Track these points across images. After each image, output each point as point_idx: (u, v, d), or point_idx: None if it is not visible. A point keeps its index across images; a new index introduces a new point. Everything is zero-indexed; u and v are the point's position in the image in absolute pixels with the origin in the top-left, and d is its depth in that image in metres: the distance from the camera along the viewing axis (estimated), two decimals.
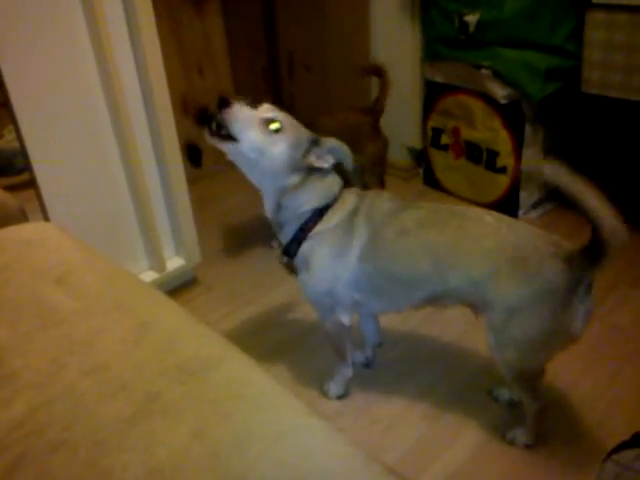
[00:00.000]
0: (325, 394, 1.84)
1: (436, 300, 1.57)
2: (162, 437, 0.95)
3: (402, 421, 1.72)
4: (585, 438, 1.63)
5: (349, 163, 1.58)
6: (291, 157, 1.51)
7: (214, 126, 1.49)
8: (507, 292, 1.40)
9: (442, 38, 2.61)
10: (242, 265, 2.53)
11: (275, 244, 2.60)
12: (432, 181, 3.00)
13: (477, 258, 1.43)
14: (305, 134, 1.55)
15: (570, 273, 1.35)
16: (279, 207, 1.58)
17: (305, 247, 1.59)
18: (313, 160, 1.53)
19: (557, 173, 1.29)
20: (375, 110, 2.54)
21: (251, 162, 1.52)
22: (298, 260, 1.62)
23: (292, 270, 1.68)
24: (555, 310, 1.38)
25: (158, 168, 2.13)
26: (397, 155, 3.07)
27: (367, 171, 2.54)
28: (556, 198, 2.73)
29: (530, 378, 1.52)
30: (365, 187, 2.57)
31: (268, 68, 3.19)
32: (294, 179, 1.54)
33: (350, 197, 1.59)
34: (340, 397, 1.83)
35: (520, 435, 1.61)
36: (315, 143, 1.54)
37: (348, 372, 1.82)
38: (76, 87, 1.87)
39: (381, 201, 1.58)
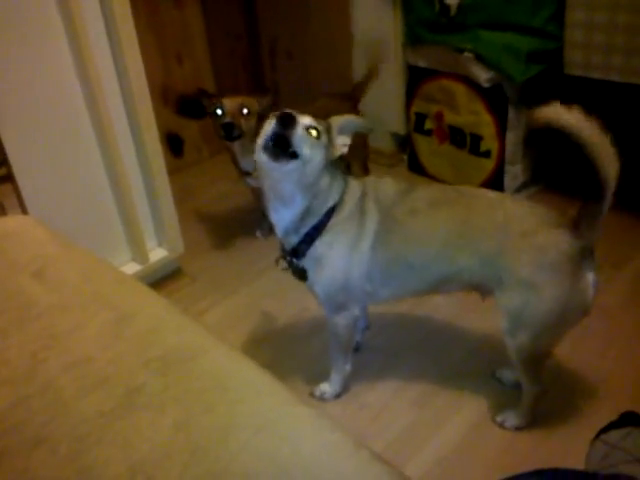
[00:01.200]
0: (321, 398, 1.76)
1: (445, 284, 1.55)
2: (144, 431, 0.93)
3: (391, 407, 1.71)
4: (574, 419, 1.63)
5: (367, 127, 1.62)
6: (325, 157, 1.44)
7: (274, 146, 1.35)
8: (522, 265, 1.39)
9: (423, 22, 2.58)
10: (226, 255, 2.51)
11: (260, 234, 2.58)
12: (416, 167, 2.98)
13: (488, 233, 1.43)
14: (320, 126, 1.44)
15: (579, 240, 1.37)
16: (307, 213, 1.47)
17: (318, 245, 1.51)
18: (338, 148, 1.48)
19: (559, 112, 1.29)
20: (353, 95, 2.53)
21: (296, 177, 1.41)
22: (308, 261, 1.53)
23: (299, 273, 1.57)
24: (571, 279, 1.38)
25: (138, 159, 2.10)
26: (381, 142, 3.05)
27: (349, 156, 2.52)
28: (540, 180, 2.72)
29: (539, 361, 1.51)
30: (348, 172, 2.56)
31: (249, 56, 3.15)
32: (326, 179, 1.47)
33: (354, 184, 1.55)
34: (337, 396, 1.77)
35: (511, 417, 1.61)
36: (328, 131, 1.47)
37: (348, 368, 1.75)
38: (52, 79, 1.83)
39: (385, 184, 1.56)
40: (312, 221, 1.49)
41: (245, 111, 2.19)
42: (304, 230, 1.50)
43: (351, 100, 2.52)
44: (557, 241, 1.37)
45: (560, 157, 2.71)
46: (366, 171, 2.61)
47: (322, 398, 1.76)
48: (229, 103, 2.18)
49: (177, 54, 3.08)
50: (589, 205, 1.35)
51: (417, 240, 1.50)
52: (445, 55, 2.56)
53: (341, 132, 1.49)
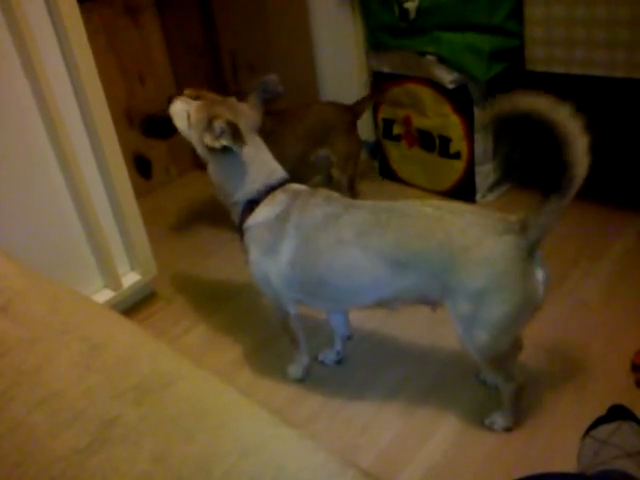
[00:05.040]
0: (286, 375, 1.85)
1: (385, 303, 1.55)
2: (121, 465, 0.89)
3: (377, 419, 1.68)
4: (562, 416, 1.61)
5: (273, 88, 1.67)
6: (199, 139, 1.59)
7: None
8: (469, 278, 1.37)
9: (384, 27, 2.58)
10: (201, 275, 2.46)
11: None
12: (388, 173, 2.97)
13: (428, 254, 1.40)
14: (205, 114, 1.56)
15: (526, 242, 1.35)
16: (220, 190, 1.65)
17: (245, 238, 1.62)
18: (208, 141, 1.53)
19: (529, 97, 1.29)
20: (354, 109, 2.53)
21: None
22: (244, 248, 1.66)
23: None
24: (520, 283, 1.37)
25: (104, 184, 2.04)
26: None
27: (338, 168, 2.51)
28: (511, 178, 2.73)
29: (503, 358, 1.50)
30: (330, 180, 2.54)
31: (211, 71, 3.12)
32: (219, 165, 1.60)
33: (281, 197, 1.57)
34: (299, 380, 1.83)
35: (499, 419, 1.59)
36: (210, 123, 1.52)
37: (304, 360, 1.82)
38: (8, 108, 1.78)
39: (314, 205, 1.54)
40: (235, 204, 1.62)
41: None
42: (234, 208, 1.64)
43: (350, 113, 2.51)
44: (503, 250, 1.35)
45: (530, 154, 2.73)
46: (352, 187, 2.57)
47: (287, 377, 1.85)
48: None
49: (139, 74, 3.04)
50: (550, 201, 1.32)
51: (346, 272, 1.50)
52: (408, 59, 2.56)
53: (222, 133, 1.50)
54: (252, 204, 1.58)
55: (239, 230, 1.65)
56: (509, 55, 2.35)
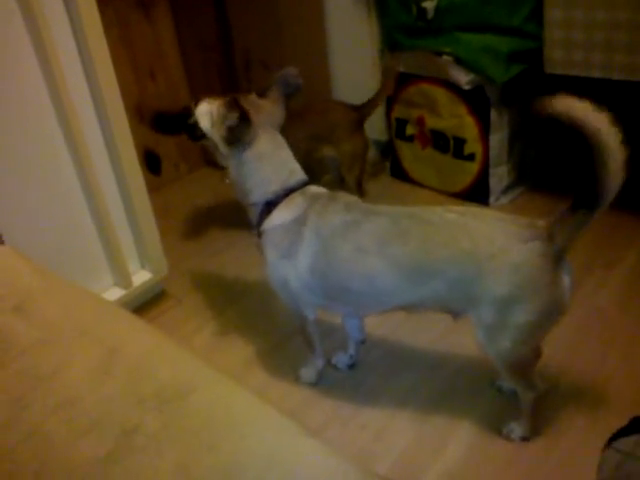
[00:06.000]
0: (299, 378, 1.82)
1: (409, 308, 1.53)
2: (143, 476, 0.87)
3: (391, 426, 1.66)
4: (581, 426, 1.58)
5: (293, 82, 1.64)
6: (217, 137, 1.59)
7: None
8: (496, 286, 1.35)
9: (401, 27, 2.55)
10: (211, 273, 2.44)
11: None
12: (399, 173, 2.94)
13: (453, 262, 1.37)
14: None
15: (552, 249, 1.33)
16: (237, 189, 1.63)
17: (262, 240, 1.60)
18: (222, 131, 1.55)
19: (571, 103, 1.23)
20: (363, 109, 2.49)
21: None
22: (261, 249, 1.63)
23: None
24: (547, 291, 1.35)
25: (116, 180, 2.02)
26: None
27: (344, 168, 2.49)
28: (525, 180, 2.70)
29: (525, 366, 1.48)
30: (342, 182, 2.52)
31: (223, 67, 3.08)
32: (236, 162, 1.58)
33: (298, 200, 1.54)
34: (312, 384, 1.81)
35: (516, 428, 1.57)
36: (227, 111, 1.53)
37: (319, 363, 1.80)
38: (22, 101, 1.75)
39: (333, 212, 1.51)
40: (253, 205, 1.60)
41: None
42: (252, 209, 1.61)
43: (358, 113, 2.48)
44: (530, 257, 1.32)
45: (545, 156, 2.70)
46: (360, 187, 2.54)
47: (300, 380, 1.82)
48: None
49: (150, 69, 3.01)
50: (577, 214, 1.30)
51: (368, 279, 1.47)
52: (424, 59, 2.52)
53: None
54: (270, 206, 1.56)
55: (257, 231, 1.62)
56: (527, 57, 2.32)
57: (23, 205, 1.82)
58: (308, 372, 1.81)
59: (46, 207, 1.89)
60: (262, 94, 1.64)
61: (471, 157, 2.58)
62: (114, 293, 2.07)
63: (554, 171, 2.64)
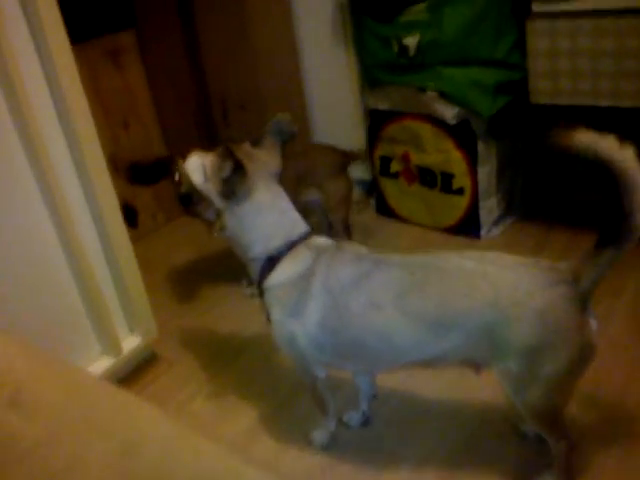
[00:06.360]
0: (310, 443, 1.70)
1: (428, 363, 1.44)
2: None
3: None
4: (614, 470, 1.50)
5: (288, 129, 1.56)
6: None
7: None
8: (522, 335, 1.27)
9: (382, 64, 2.51)
10: (202, 331, 2.30)
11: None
12: (385, 210, 2.88)
13: (475, 313, 1.29)
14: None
15: (579, 291, 1.26)
16: (235, 245, 1.52)
17: (265, 297, 1.49)
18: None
19: (594, 138, 1.17)
20: (347, 153, 2.45)
21: None
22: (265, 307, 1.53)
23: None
24: (576, 337, 1.28)
25: (99, 238, 1.89)
26: None
27: (330, 210, 2.42)
28: (515, 211, 2.67)
29: (557, 415, 1.39)
30: (329, 226, 2.44)
31: (199, 113, 3.00)
32: (233, 218, 1.47)
33: (305, 253, 1.45)
34: (326, 447, 1.69)
35: (549, 479, 1.47)
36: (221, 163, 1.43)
37: (331, 425, 1.69)
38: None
39: (341, 264, 1.43)
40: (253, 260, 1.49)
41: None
42: (252, 264, 1.50)
43: (342, 155, 2.43)
44: (556, 302, 1.26)
45: (532, 185, 2.68)
46: (347, 231, 2.47)
47: (312, 444, 1.71)
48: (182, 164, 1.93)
49: (123, 119, 2.91)
50: (604, 253, 1.24)
51: (383, 335, 1.38)
52: (407, 95, 2.49)
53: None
54: (273, 261, 1.46)
55: (258, 288, 1.52)
56: (513, 88, 2.30)
57: (3, 275, 1.69)
58: (320, 435, 1.70)
59: (26, 276, 1.75)
60: (256, 143, 1.55)
61: (460, 191, 2.54)
62: (103, 363, 1.92)
63: (542, 199, 2.62)
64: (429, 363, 1.43)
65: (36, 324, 1.75)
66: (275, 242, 1.45)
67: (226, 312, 2.35)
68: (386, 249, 2.57)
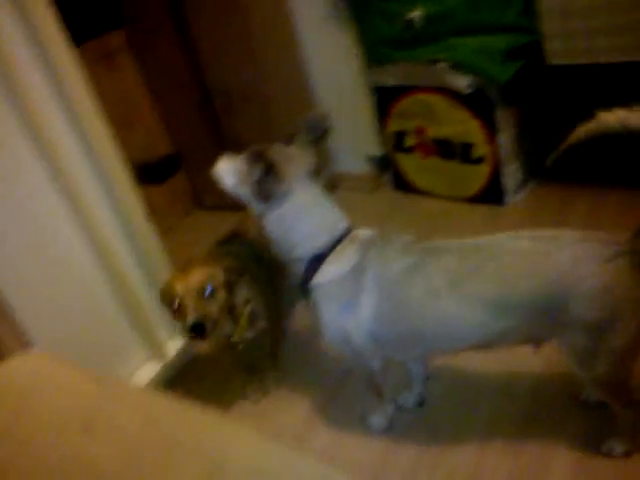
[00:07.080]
0: (369, 427, 1.72)
1: (488, 344, 1.43)
2: None
3: (484, 464, 1.56)
4: None
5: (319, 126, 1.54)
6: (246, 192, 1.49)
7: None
8: (586, 311, 1.27)
9: (386, 40, 2.46)
10: None
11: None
12: (403, 185, 2.86)
13: (536, 293, 1.29)
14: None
15: (638, 263, 1.25)
16: (277, 244, 1.51)
17: (313, 296, 1.48)
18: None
19: (619, 116, 1.18)
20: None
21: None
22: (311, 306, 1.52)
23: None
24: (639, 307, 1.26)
25: (128, 240, 1.91)
26: (358, 167, 2.94)
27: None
28: (537, 173, 2.63)
29: (624, 382, 1.39)
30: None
31: (202, 106, 2.95)
32: (273, 219, 1.47)
33: (350, 248, 1.44)
34: (384, 431, 1.70)
35: (616, 444, 1.48)
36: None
37: (389, 409, 1.71)
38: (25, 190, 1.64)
39: (392, 256, 1.42)
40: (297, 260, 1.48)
41: (208, 290, 1.60)
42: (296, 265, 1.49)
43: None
44: (620, 275, 1.24)
45: (552, 147, 2.64)
46: (275, 360, 2.00)
47: (370, 429, 1.72)
48: (182, 288, 1.58)
49: (125, 122, 2.85)
50: None
51: (443, 322, 1.38)
52: (416, 69, 2.45)
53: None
54: (319, 259, 1.44)
55: (302, 288, 1.51)
56: (524, 52, 2.26)
57: (45, 298, 1.68)
58: (378, 419, 1.71)
59: (66, 294, 1.75)
60: (288, 142, 1.53)
61: (480, 160, 2.51)
62: (150, 369, 1.94)
63: (563, 159, 2.59)
64: (488, 345, 1.43)
65: (80, 340, 1.75)
66: (320, 240, 1.44)
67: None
68: (410, 224, 2.59)
